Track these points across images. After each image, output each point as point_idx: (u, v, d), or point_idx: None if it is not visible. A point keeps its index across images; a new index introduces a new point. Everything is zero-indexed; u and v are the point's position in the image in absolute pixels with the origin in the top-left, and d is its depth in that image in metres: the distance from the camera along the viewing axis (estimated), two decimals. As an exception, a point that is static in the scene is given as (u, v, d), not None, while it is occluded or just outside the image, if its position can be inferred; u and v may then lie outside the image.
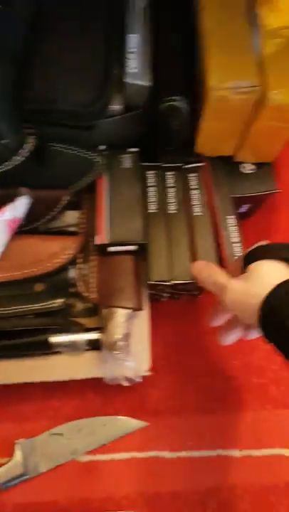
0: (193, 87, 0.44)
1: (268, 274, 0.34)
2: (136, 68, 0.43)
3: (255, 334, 0.41)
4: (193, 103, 0.44)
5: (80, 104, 0.41)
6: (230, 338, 0.42)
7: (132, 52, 0.44)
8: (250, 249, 0.38)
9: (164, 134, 0.44)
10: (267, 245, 0.38)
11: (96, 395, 0.50)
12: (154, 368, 0.51)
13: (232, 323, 0.42)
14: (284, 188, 0.62)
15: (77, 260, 0.48)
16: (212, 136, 0.45)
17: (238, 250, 0.46)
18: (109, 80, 0.42)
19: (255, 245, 0.39)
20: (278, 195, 0.61)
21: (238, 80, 0.39)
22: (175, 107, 0.41)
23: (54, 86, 0.42)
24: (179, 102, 0.40)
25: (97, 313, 0.50)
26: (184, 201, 0.49)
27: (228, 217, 0.48)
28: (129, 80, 0.42)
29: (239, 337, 0.42)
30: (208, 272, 0.40)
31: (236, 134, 0.45)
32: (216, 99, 0.40)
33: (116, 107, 0.44)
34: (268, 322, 0.32)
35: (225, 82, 0.39)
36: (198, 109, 0.43)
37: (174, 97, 0.41)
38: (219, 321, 0.43)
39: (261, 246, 0.38)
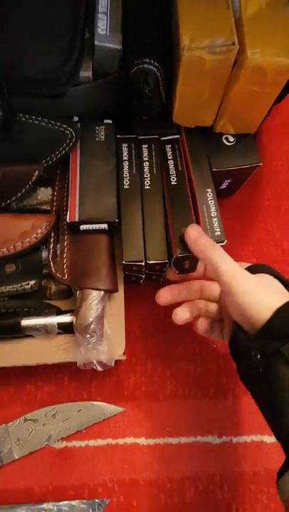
0: (171, 51, 0.41)
1: (277, 284, 0.37)
2: (105, 30, 0.39)
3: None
4: (171, 68, 0.41)
5: (44, 70, 0.37)
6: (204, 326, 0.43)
7: (102, 13, 0.40)
8: (249, 265, 0.40)
9: (137, 101, 0.41)
10: (265, 265, 0.40)
11: (71, 380, 0.48)
12: (130, 352, 0.49)
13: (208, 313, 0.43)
14: (266, 164, 0.59)
15: (50, 240, 0.46)
16: (189, 102, 0.42)
17: (216, 225, 0.43)
18: (76, 43, 0.39)
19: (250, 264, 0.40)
20: (261, 173, 0.58)
21: (213, 38, 0.35)
22: (146, 70, 0.37)
23: (14, 50, 0.38)
24: (149, 65, 0.37)
25: (72, 295, 0.47)
26: (161, 176, 0.46)
27: (207, 190, 0.44)
28: (97, 42, 0.39)
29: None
30: (206, 245, 0.38)
31: (215, 100, 0.42)
32: (191, 59, 0.36)
33: (86, 73, 0.41)
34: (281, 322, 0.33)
35: (199, 40, 0.35)
36: (175, 73, 0.40)
37: (144, 60, 0.37)
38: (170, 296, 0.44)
39: (260, 264, 0.40)
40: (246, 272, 0.36)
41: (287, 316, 0.33)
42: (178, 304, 0.44)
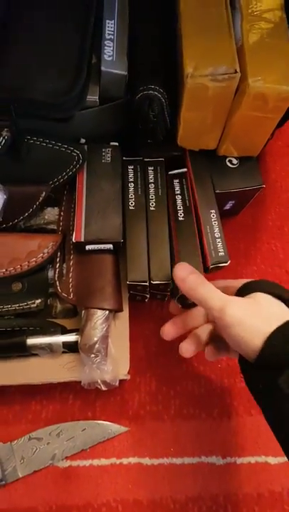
0: (175, 77, 0.42)
1: (276, 309, 0.34)
2: (112, 56, 0.41)
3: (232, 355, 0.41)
4: (175, 94, 0.42)
5: (52, 93, 0.39)
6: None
7: (109, 39, 0.42)
8: (243, 282, 0.38)
9: (142, 125, 0.42)
10: (260, 281, 0.37)
11: (76, 398, 0.48)
12: (135, 371, 0.49)
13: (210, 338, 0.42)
14: (270, 185, 0.60)
15: (56, 259, 0.46)
16: (193, 127, 0.43)
17: (220, 246, 0.44)
18: (83, 68, 0.40)
19: (246, 280, 0.38)
20: (265, 194, 0.59)
21: (216, 67, 0.36)
22: (150, 97, 0.38)
23: (23, 73, 0.40)
24: (154, 92, 0.38)
25: (77, 314, 0.48)
26: (166, 197, 0.47)
27: (211, 211, 0.45)
28: (104, 68, 0.40)
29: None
30: (194, 283, 0.37)
31: (218, 126, 0.43)
32: (194, 86, 0.37)
33: (92, 97, 0.42)
34: (275, 351, 0.31)
35: (202, 68, 0.37)
36: (179, 99, 0.41)
37: (149, 86, 0.38)
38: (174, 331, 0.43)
39: (253, 281, 0.37)
40: (235, 300, 0.35)
41: (279, 343, 0.31)
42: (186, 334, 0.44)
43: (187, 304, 0.44)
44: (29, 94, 0.38)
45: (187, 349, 0.41)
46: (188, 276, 0.37)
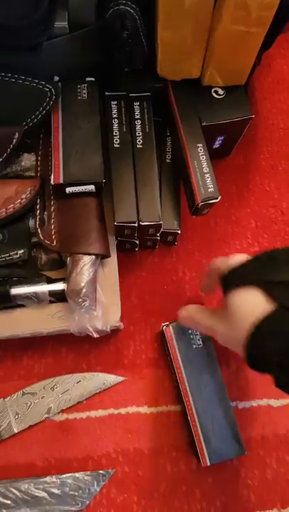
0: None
1: (245, 309, 0.33)
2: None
3: None
4: (150, 13, 0.38)
5: (14, 16, 0.35)
6: None
7: None
8: (226, 269, 0.35)
9: (118, 50, 0.38)
10: (241, 267, 0.35)
11: (69, 351, 0.47)
12: (129, 321, 0.47)
13: None
14: (261, 123, 0.57)
15: (36, 207, 0.44)
16: (172, 50, 0.39)
17: (209, 181, 0.41)
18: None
19: (231, 262, 0.36)
20: (256, 133, 0.56)
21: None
22: (122, 12, 0.35)
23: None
24: (125, 7, 0.35)
25: (64, 265, 0.46)
26: (153, 134, 0.44)
27: (198, 145, 0.42)
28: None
29: None
30: (193, 317, 0.40)
31: (199, 47, 0.39)
32: (169, -1, 0.34)
33: (61, 23, 0.39)
34: (255, 359, 0.33)
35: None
36: (155, 18, 0.38)
37: (120, 1, 0.35)
38: None
39: (234, 270, 0.35)
40: (219, 319, 0.36)
41: (259, 351, 0.32)
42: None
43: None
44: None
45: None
46: (188, 314, 0.41)
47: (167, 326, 0.44)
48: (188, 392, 0.41)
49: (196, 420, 0.40)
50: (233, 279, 0.35)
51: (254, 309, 0.32)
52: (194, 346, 0.43)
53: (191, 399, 0.41)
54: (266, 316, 0.31)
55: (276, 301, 0.31)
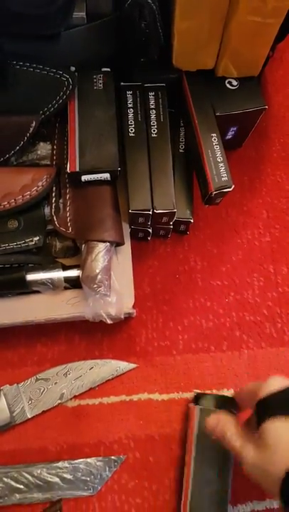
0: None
1: (285, 441, 0.31)
2: None
3: None
4: (167, 5, 0.39)
5: (33, 5, 0.36)
6: None
7: None
8: (262, 395, 0.33)
9: (135, 40, 0.39)
10: (279, 394, 0.32)
11: (82, 338, 0.47)
12: (141, 309, 0.48)
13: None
14: (273, 115, 0.57)
15: (52, 195, 0.45)
16: (189, 41, 0.40)
17: (222, 170, 0.42)
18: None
19: (267, 387, 0.33)
20: (268, 124, 0.56)
21: None
22: (141, 3, 0.36)
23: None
24: (143, -3, 0.35)
25: (78, 252, 0.46)
26: (168, 123, 0.44)
27: (212, 135, 0.43)
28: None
29: None
30: (222, 430, 0.36)
31: (215, 37, 0.40)
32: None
33: (79, 13, 0.39)
34: None
35: None
36: (172, 8, 0.38)
37: (137, -9, 0.36)
38: None
39: (273, 396, 0.33)
40: (249, 447, 0.33)
41: None
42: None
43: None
44: (10, 6, 0.36)
45: None
46: (218, 424, 0.37)
47: (195, 404, 0.43)
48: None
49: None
50: (273, 407, 0.32)
51: None
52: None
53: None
54: None
55: None
